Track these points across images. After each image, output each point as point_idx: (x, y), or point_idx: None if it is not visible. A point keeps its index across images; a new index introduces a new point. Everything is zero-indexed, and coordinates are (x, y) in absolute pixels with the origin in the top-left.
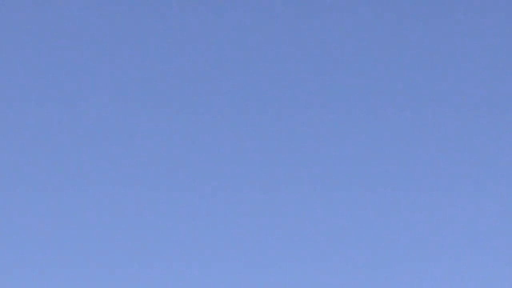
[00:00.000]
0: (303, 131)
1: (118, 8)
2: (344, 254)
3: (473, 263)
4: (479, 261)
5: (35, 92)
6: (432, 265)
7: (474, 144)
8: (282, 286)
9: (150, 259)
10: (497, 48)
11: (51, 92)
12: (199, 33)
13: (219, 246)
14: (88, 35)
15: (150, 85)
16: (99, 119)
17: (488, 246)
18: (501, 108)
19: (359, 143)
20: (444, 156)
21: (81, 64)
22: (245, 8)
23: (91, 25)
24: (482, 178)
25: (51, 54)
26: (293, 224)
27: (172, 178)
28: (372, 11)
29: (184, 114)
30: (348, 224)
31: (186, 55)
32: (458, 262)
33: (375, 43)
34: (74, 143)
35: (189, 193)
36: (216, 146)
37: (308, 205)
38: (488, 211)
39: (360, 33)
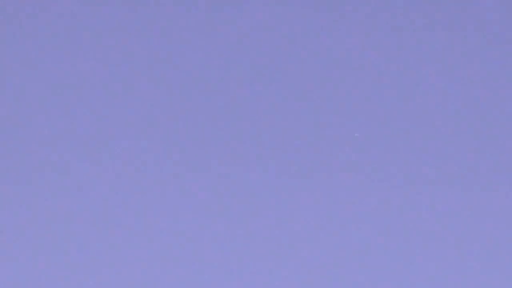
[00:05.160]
0: (303, 130)
1: (117, 7)
2: (344, 252)
3: (473, 263)
4: (479, 261)
5: (34, 91)
6: (432, 264)
7: (476, 143)
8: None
9: (149, 256)
10: (497, 49)
11: (50, 90)
12: (199, 32)
13: (218, 245)
14: (88, 35)
15: (149, 83)
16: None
17: (489, 246)
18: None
19: (361, 142)
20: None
21: (80, 63)
22: (244, 7)
23: (90, 24)
24: (482, 176)
25: (50, 53)
26: (293, 223)
27: (171, 176)
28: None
29: (184, 111)
30: (349, 224)
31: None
32: (458, 261)
33: (374, 41)
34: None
35: (189, 192)
36: (215, 143)
37: (309, 205)
38: (488, 210)
39: (359, 31)
